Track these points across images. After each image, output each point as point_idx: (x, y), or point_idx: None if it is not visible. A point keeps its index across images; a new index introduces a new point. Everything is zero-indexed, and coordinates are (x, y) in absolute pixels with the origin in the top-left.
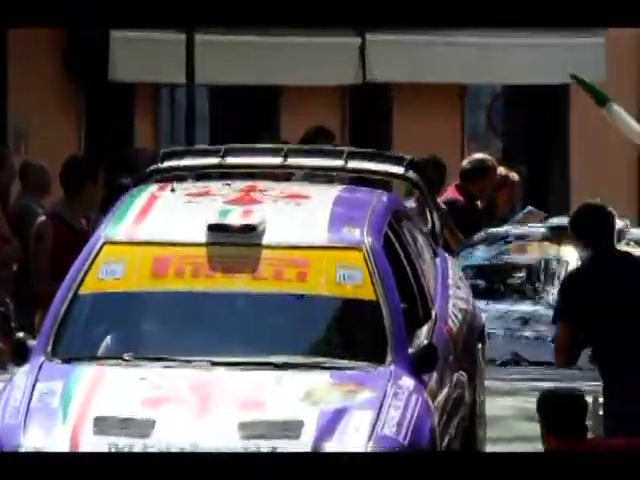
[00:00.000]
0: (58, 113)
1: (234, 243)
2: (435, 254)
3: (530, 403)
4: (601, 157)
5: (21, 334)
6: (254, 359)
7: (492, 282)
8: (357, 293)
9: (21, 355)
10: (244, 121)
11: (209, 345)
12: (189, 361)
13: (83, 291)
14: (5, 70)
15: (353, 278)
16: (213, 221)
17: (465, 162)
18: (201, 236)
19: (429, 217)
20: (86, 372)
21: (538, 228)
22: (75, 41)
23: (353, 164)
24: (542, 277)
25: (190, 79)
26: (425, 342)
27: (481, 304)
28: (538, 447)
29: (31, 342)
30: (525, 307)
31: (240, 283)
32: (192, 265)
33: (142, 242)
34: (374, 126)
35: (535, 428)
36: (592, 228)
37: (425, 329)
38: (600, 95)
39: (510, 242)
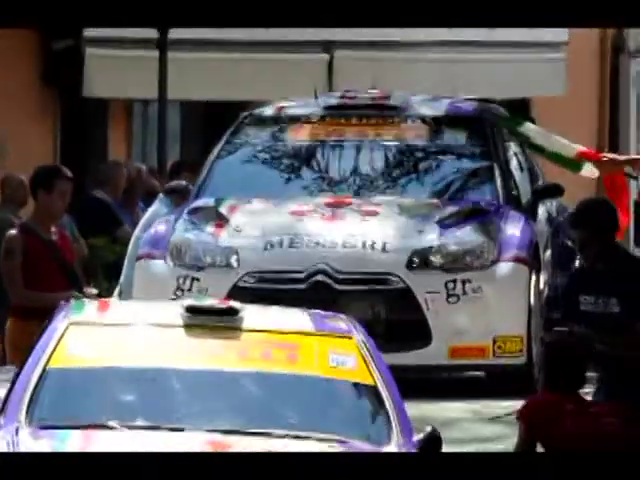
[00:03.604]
0: (34, 125)
1: (214, 326)
2: None
3: (485, 407)
4: (563, 172)
5: None
6: (252, 429)
7: None
8: (354, 377)
9: None
10: (214, 135)
11: (199, 416)
12: (181, 429)
13: (52, 366)
14: None
15: (347, 363)
16: (190, 304)
17: None
18: (177, 319)
19: None
20: (73, 433)
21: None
22: (50, 56)
23: None
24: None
25: (162, 95)
26: (428, 429)
27: None
28: (494, 448)
29: None
30: None
31: (224, 363)
32: (168, 346)
33: (111, 324)
34: None
35: (491, 429)
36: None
37: None
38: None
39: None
